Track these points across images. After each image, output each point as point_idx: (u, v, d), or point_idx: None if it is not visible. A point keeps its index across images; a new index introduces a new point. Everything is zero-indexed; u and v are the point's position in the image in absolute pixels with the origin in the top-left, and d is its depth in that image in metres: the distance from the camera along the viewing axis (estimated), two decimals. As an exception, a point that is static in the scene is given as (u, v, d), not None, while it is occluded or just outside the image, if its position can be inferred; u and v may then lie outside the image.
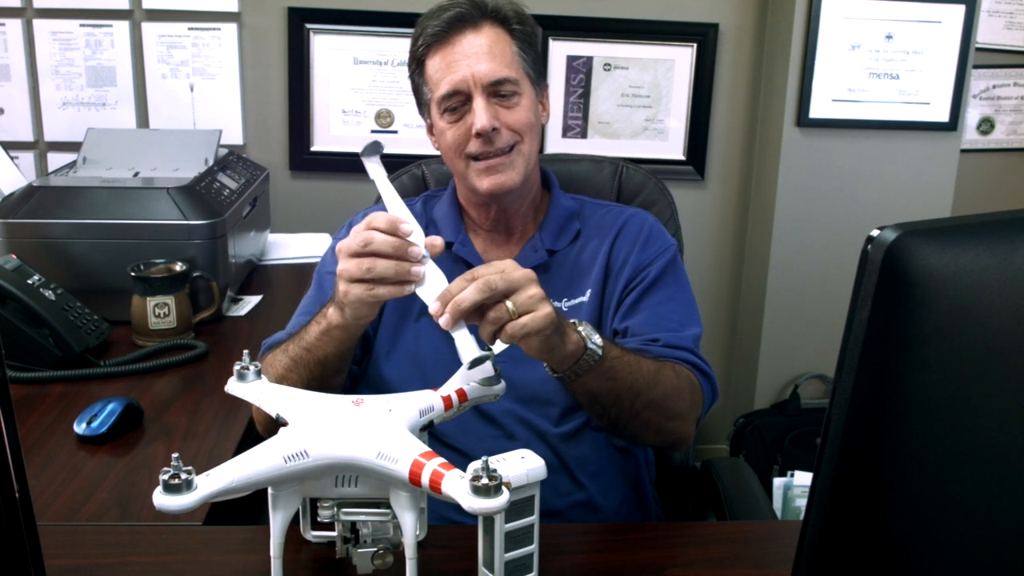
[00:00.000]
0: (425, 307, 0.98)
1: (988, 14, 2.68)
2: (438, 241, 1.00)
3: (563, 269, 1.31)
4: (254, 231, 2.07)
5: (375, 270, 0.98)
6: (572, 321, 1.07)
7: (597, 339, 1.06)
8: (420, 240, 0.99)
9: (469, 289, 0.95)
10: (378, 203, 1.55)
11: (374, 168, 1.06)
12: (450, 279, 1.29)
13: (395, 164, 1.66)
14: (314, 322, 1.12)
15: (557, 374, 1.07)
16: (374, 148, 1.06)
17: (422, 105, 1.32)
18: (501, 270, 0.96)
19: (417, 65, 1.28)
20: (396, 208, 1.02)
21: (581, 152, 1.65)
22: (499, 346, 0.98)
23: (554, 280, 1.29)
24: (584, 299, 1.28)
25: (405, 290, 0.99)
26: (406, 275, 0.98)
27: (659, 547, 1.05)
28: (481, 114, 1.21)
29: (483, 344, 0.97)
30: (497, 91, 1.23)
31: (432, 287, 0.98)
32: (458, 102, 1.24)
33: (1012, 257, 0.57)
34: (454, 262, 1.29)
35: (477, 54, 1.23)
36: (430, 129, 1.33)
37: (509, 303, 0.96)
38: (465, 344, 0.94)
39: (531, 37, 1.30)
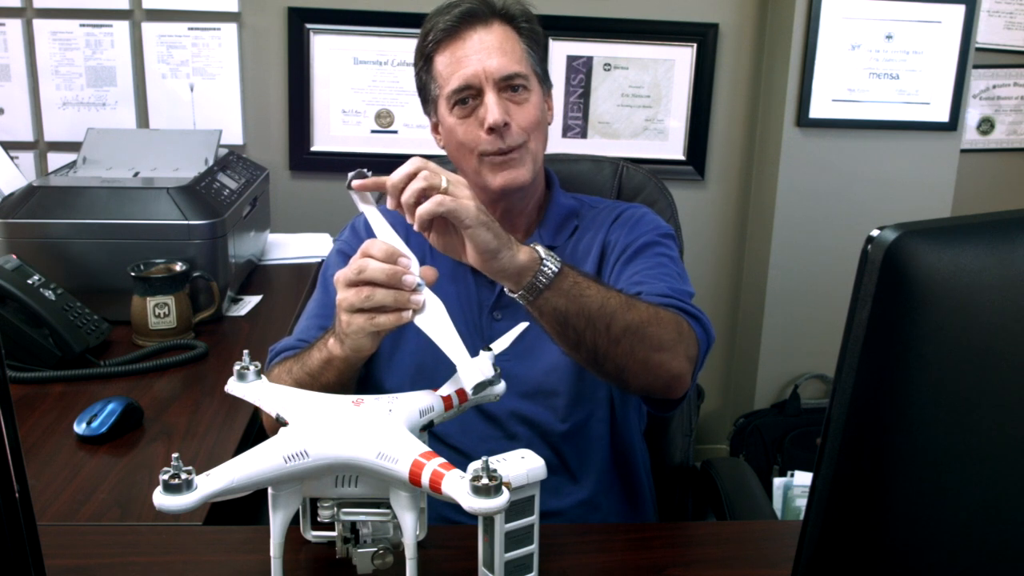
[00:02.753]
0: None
1: (988, 14, 2.68)
2: (431, 271, 0.99)
3: None
4: (254, 231, 2.07)
5: (374, 298, 0.96)
6: (530, 246, 1.04)
7: (555, 258, 1.04)
8: (415, 269, 0.98)
9: (417, 179, 0.98)
10: (380, 202, 1.55)
11: (363, 198, 1.04)
12: (452, 278, 1.29)
13: (395, 164, 1.65)
14: (316, 348, 1.10)
15: (517, 292, 1.03)
16: (359, 178, 1.03)
17: (427, 103, 1.32)
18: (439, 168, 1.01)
19: (425, 62, 1.28)
20: (388, 238, 1.00)
21: (581, 152, 1.65)
22: (500, 345, 0.98)
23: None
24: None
25: (404, 318, 0.97)
26: (405, 303, 0.96)
27: (659, 547, 1.05)
28: (493, 108, 1.21)
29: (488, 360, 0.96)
30: (508, 86, 1.24)
31: (431, 316, 0.96)
32: (469, 96, 1.24)
33: (1012, 257, 0.57)
34: (456, 262, 1.29)
35: (488, 49, 1.23)
36: (435, 127, 1.33)
37: (444, 181, 0.98)
38: (467, 370, 0.93)
39: (538, 36, 1.30)
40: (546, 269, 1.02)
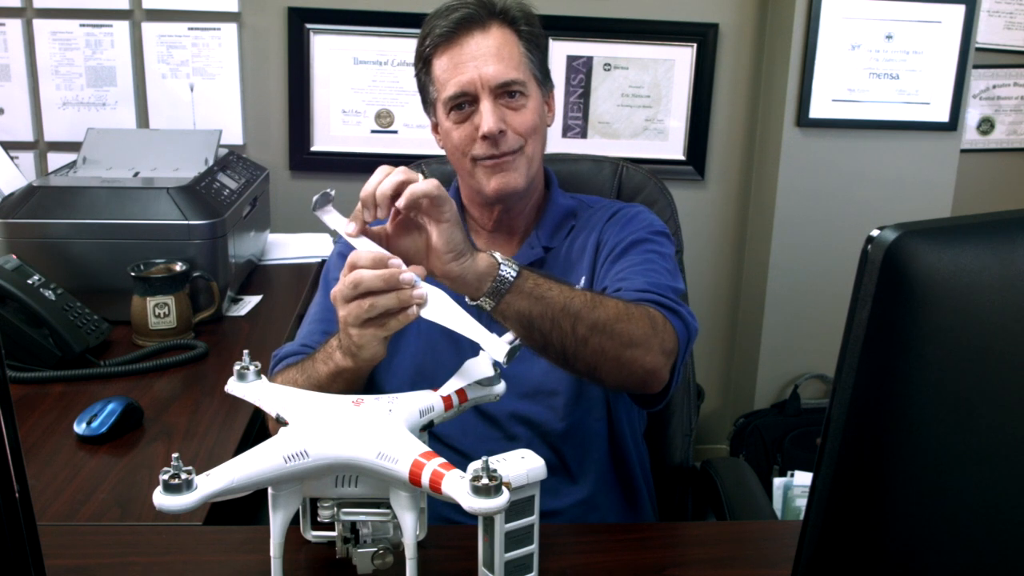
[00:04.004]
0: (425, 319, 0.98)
1: (988, 14, 2.68)
2: (419, 268, 0.99)
3: (556, 262, 1.31)
4: (254, 231, 2.07)
5: (377, 306, 0.96)
6: (487, 252, 1.05)
7: (512, 262, 1.04)
8: (404, 267, 0.98)
9: (394, 173, 0.99)
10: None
11: (331, 218, 1.04)
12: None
13: (395, 164, 1.65)
14: (320, 362, 1.10)
15: (478, 300, 1.03)
16: (324, 200, 1.03)
17: (427, 104, 1.32)
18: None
19: (423, 64, 1.28)
20: (369, 246, 1.01)
21: (581, 152, 1.65)
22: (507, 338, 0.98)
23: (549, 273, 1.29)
24: (579, 287, 1.28)
25: (412, 315, 0.97)
26: (409, 301, 0.96)
27: (659, 547, 1.05)
28: (488, 117, 1.21)
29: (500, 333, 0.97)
30: (504, 93, 1.23)
31: (437, 305, 0.97)
32: (465, 103, 1.24)
33: (1012, 257, 0.57)
34: None
35: (485, 55, 1.22)
36: (435, 128, 1.33)
37: (421, 178, 0.99)
38: (493, 344, 0.94)
39: (539, 38, 1.29)
40: (504, 273, 1.02)
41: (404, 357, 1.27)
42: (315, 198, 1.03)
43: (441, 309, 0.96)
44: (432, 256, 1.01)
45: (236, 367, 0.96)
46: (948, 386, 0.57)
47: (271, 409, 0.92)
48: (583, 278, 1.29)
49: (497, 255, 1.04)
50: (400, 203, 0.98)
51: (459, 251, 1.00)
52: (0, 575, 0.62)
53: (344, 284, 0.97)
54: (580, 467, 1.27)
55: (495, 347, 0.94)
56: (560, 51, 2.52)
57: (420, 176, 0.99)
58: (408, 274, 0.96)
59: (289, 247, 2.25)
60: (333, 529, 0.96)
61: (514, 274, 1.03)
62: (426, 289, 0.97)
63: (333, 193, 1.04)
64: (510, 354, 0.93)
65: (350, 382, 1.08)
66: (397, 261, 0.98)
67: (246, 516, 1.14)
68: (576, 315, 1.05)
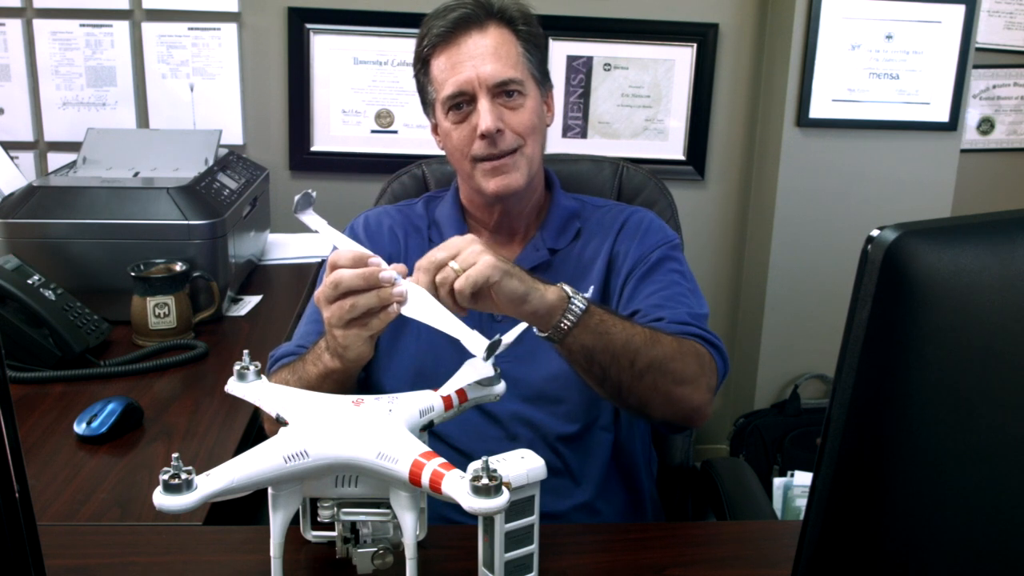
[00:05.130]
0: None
1: (988, 14, 2.68)
2: (401, 267, 0.99)
3: (565, 267, 1.31)
4: (254, 231, 2.07)
5: (359, 306, 0.97)
6: (557, 285, 1.05)
7: (580, 296, 1.05)
8: (385, 266, 0.98)
9: (418, 275, 0.98)
10: (378, 204, 1.55)
11: (312, 220, 1.04)
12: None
13: (395, 164, 1.65)
14: (310, 363, 1.10)
15: (546, 333, 1.04)
16: (305, 201, 1.04)
17: (427, 104, 1.32)
18: (443, 246, 1.00)
19: (422, 65, 1.28)
20: (349, 246, 1.01)
21: (581, 152, 1.65)
22: (507, 337, 0.98)
23: (556, 278, 1.28)
24: (587, 295, 1.28)
25: (393, 313, 0.97)
26: (389, 299, 0.97)
27: (659, 547, 1.05)
28: (486, 115, 1.21)
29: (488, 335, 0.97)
30: (502, 92, 1.23)
31: (418, 302, 0.97)
32: (463, 102, 1.24)
33: (1012, 257, 0.57)
34: None
35: (483, 55, 1.23)
36: (435, 128, 1.33)
37: (453, 263, 0.98)
38: (472, 341, 0.94)
39: (537, 38, 1.29)
40: (574, 307, 1.03)
41: (404, 357, 1.27)
42: (296, 199, 1.03)
43: (422, 306, 0.97)
44: (500, 305, 1.01)
45: (236, 367, 0.96)
46: (948, 386, 0.57)
47: (271, 409, 0.92)
48: (591, 287, 1.29)
49: (567, 288, 1.05)
50: (465, 304, 0.98)
51: (520, 296, 1.00)
52: (0, 575, 0.62)
53: (326, 285, 0.98)
54: (582, 471, 1.27)
55: (474, 343, 0.94)
56: (560, 51, 2.52)
57: (451, 264, 0.98)
58: (388, 272, 0.97)
59: (289, 247, 2.25)
60: (333, 529, 0.96)
61: (582, 308, 1.04)
62: (406, 286, 0.97)
63: (315, 195, 1.04)
64: (489, 350, 0.93)
65: (340, 382, 1.08)
66: (377, 260, 0.98)
67: (246, 516, 1.14)
68: (636, 351, 1.07)
